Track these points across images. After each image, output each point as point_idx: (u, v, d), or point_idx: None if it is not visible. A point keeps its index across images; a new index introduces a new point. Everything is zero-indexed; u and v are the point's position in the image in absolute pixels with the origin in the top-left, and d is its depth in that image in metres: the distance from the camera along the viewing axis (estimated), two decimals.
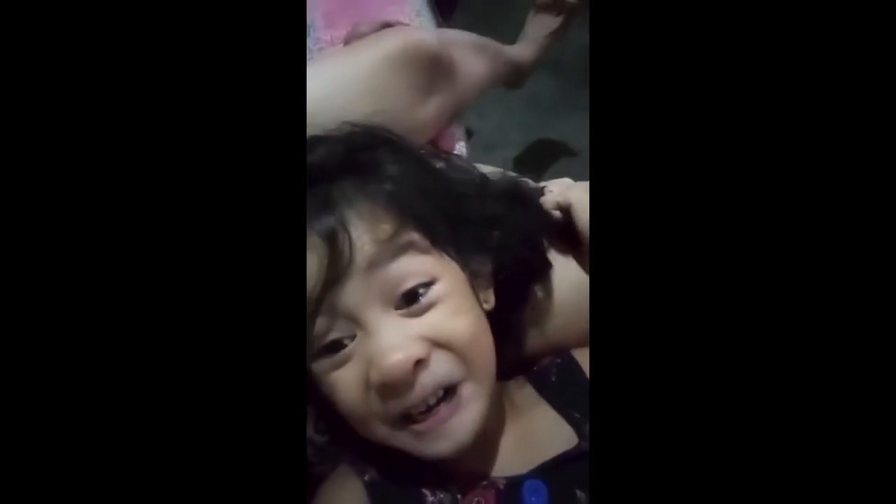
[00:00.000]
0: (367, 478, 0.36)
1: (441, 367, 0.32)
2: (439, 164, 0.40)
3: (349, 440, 0.39)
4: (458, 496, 0.35)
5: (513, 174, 0.44)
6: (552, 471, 0.35)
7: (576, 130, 1.08)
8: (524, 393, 0.40)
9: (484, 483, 0.35)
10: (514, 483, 0.35)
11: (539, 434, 0.37)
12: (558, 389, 0.39)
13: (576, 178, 0.44)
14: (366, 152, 0.37)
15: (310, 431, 0.42)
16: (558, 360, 0.41)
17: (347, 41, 0.59)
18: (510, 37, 0.79)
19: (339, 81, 0.45)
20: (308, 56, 0.66)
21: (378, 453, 0.37)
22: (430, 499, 0.35)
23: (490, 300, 0.37)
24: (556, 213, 0.41)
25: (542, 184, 0.43)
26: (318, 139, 0.37)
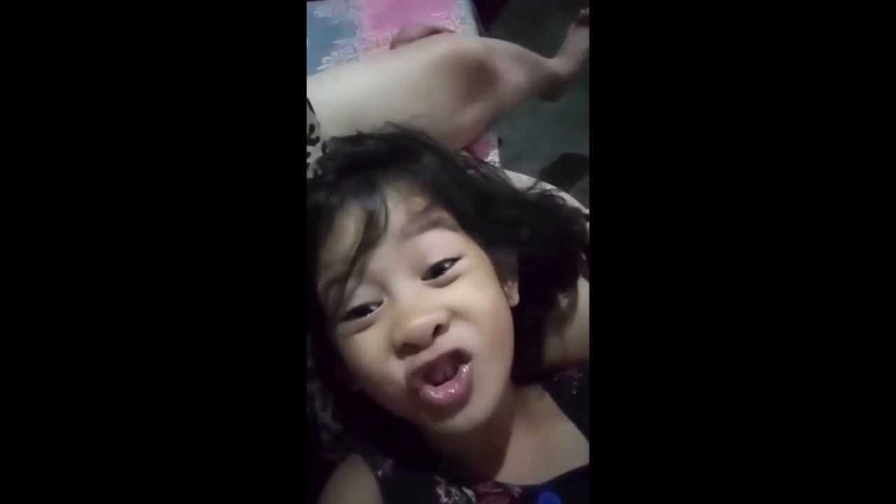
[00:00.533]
0: (379, 473, 0.36)
1: (458, 332, 0.33)
2: (472, 171, 0.41)
3: (365, 429, 0.40)
4: (473, 499, 0.35)
5: (548, 185, 0.44)
6: (567, 485, 0.35)
7: None
8: (544, 403, 0.40)
9: (499, 490, 0.35)
10: (530, 493, 0.35)
11: (556, 446, 0.38)
12: (578, 403, 0.39)
13: None
14: (408, 149, 0.39)
15: (326, 418, 0.43)
16: (580, 374, 0.41)
17: (395, 44, 0.60)
18: (544, 51, 0.79)
19: (388, 81, 0.47)
20: (354, 55, 0.67)
21: (393, 446, 0.37)
22: (444, 500, 0.35)
23: (514, 297, 0.38)
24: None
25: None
26: (365, 135, 0.40)
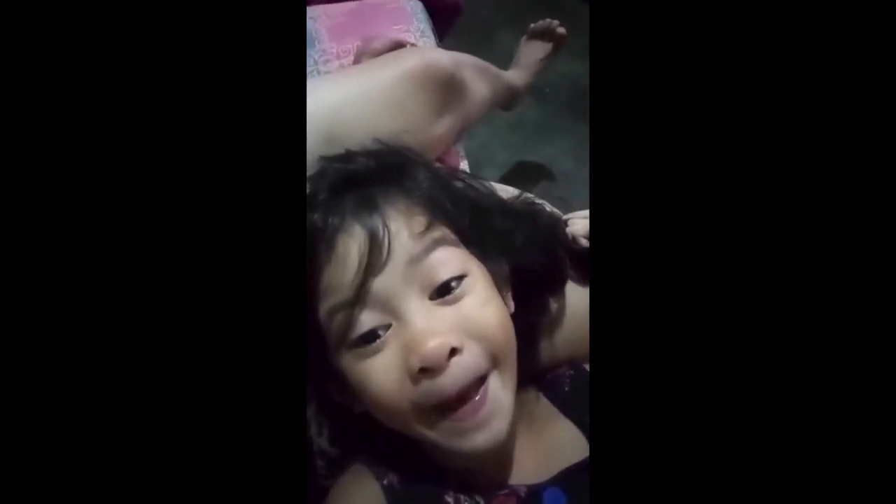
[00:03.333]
0: (385, 482, 0.36)
1: (473, 358, 0.33)
2: (460, 184, 0.42)
3: (367, 445, 0.39)
4: (482, 503, 0.35)
5: (531, 196, 0.46)
6: (569, 479, 0.36)
7: (557, 155, 1.13)
8: (540, 404, 0.41)
9: (505, 491, 0.36)
10: (535, 491, 0.36)
11: (555, 443, 0.39)
12: (571, 399, 0.41)
13: (556, 201, 0.47)
14: (397, 164, 0.39)
15: (323, 443, 0.42)
16: (571, 372, 0.42)
17: (359, 57, 0.60)
18: (495, 63, 0.82)
19: (362, 95, 0.46)
20: (314, 68, 0.66)
21: (398, 458, 0.37)
22: None
23: (510, 305, 0.39)
24: (584, 242, 0.42)
25: (566, 216, 0.45)
26: (353, 153, 0.40)
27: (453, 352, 0.32)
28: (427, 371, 0.32)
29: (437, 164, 0.46)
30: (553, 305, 0.42)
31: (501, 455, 0.37)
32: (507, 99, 0.81)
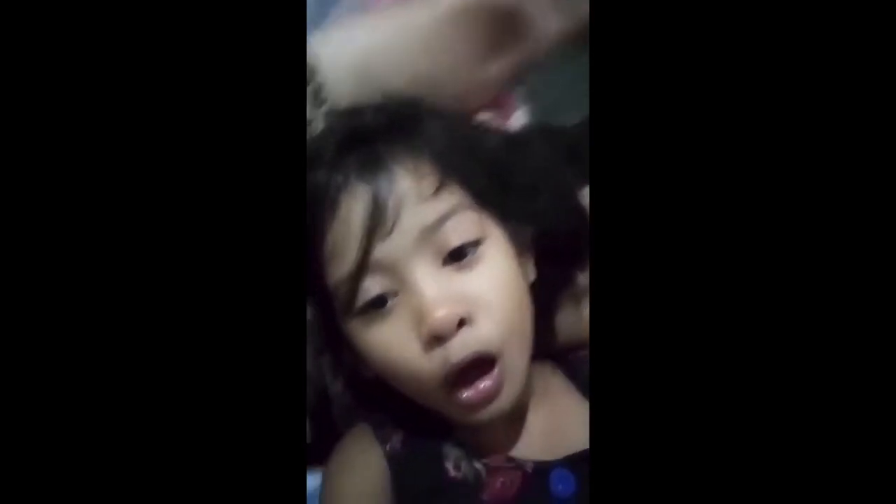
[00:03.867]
0: (388, 447, 0.36)
1: (485, 329, 0.32)
2: (480, 136, 0.38)
3: (376, 402, 0.39)
4: (483, 473, 0.34)
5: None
6: (581, 463, 0.34)
7: None
8: (556, 379, 0.39)
9: (511, 465, 0.35)
10: (542, 470, 0.34)
11: (568, 424, 0.37)
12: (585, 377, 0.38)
13: None
14: (409, 119, 0.36)
15: (338, 388, 0.42)
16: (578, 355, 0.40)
17: None
18: None
19: (404, 35, 0.43)
20: (361, 5, 0.63)
21: (404, 419, 0.37)
22: (453, 473, 0.35)
23: (530, 273, 0.37)
24: None
25: None
26: (361, 107, 0.37)
27: (462, 322, 0.31)
28: (437, 339, 0.31)
29: (466, 117, 0.42)
30: (579, 277, 0.39)
31: (510, 425, 0.36)
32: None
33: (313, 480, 0.39)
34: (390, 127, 0.35)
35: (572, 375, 0.39)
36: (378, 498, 0.35)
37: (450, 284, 0.32)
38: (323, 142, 0.36)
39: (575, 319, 0.39)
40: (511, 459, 0.35)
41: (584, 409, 0.37)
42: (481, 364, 0.32)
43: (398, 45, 0.43)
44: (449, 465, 0.35)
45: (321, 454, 0.38)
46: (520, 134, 0.40)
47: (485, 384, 0.32)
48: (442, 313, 0.30)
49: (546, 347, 0.39)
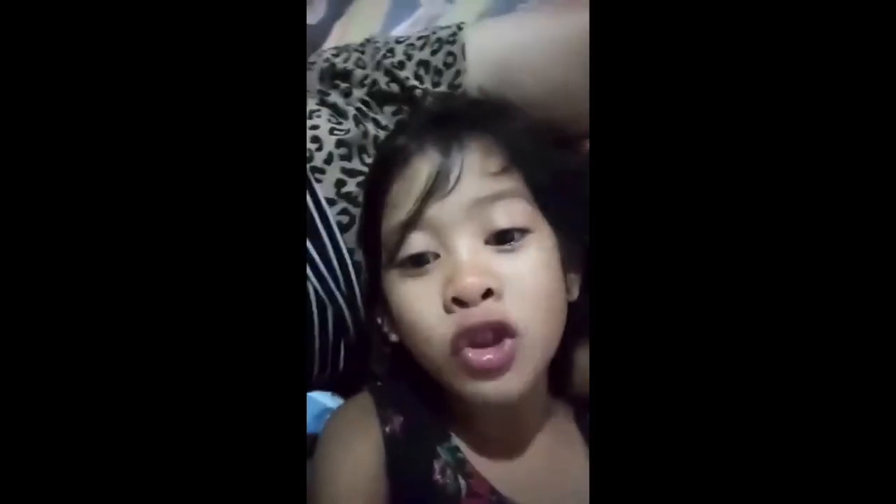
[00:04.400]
0: (388, 429, 0.36)
1: (509, 304, 0.32)
2: (558, 148, 0.41)
3: (391, 373, 0.40)
4: (463, 490, 0.35)
5: None
6: None
7: None
8: (569, 429, 0.39)
9: (492, 497, 0.35)
10: None
11: (564, 480, 0.36)
12: None
13: None
14: (498, 113, 0.39)
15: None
16: None
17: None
18: None
19: (549, 43, 0.45)
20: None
21: (412, 403, 0.37)
22: (437, 476, 0.35)
23: (574, 291, 0.37)
24: None
25: None
26: (461, 96, 0.41)
27: (489, 293, 0.32)
28: (459, 302, 0.32)
29: (553, 130, 0.44)
30: None
31: (507, 443, 0.36)
32: None
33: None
34: (478, 114, 0.38)
35: (584, 427, 0.39)
36: (371, 474, 0.35)
37: (487, 259, 0.33)
38: (412, 114, 0.39)
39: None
40: (494, 492, 0.35)
41: (585, 469, 0.36)
42: (498, 335, 0.32)
43: (539, 50, 0.45)
44: (437, 467, 0.36)
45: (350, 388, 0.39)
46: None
47: (497, 353, 0.32)
48: (471, 280, 0.32)
49: (566, 385, 0.39)
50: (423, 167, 0.34)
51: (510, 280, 0.33)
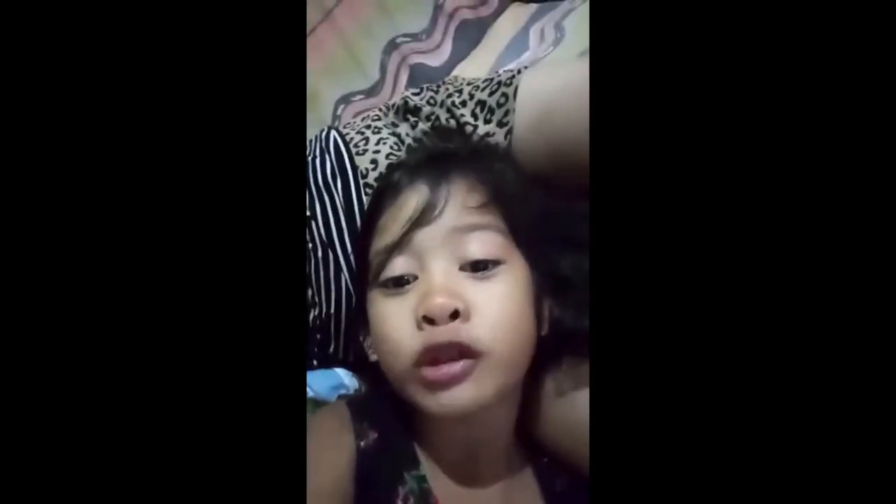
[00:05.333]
0: (362, 444, 0.38)
1: (475, 330, 0.34)
2: (541, 196, 0.42)
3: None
4: None
5: None
6: None
7: None
8: (529, 485, 0.39)
9: None
10: None
11: None
12: (558, 500, 0.37)
13: None
14: (489, 154, 0.43)
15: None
16: (567, 476, 0.39)
17: None
18: None
19: (576, 91, 0.45)
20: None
21: (384, 423, 0.39)
22: (399, 501, 0.36)
23: (543, 324, 0.38)
24: None
25: None
26: (459, 134, 0.46)
27: (456, 314, 0.34)
28: (428, 321, 0.34)
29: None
30: (578, 367, 0.38)
31: (469, 478, 0.37)
32: None
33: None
34: (468, 158, 0.41)
35: (544, 485, 0.38)
36: (341, 485, 0.36)
37: (459, 283, 0.35)
38: (411, 153, 0.44)
39: (566, 406, 0.38)
40: None
41: None
42: (459, 354, 0.34)
43: (578, 95, 0.44)
44: (401, 493, 0.37)
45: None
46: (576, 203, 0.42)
47: (451, 368, 0.34)
48: (440, 300, 0.34)
49: (528, 430, 0.39)
50: (411, 199, 0.38)
51: (478, 305, 0.35)
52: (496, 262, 0.36)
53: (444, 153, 0.42)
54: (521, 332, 0.36)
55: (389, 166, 0.49)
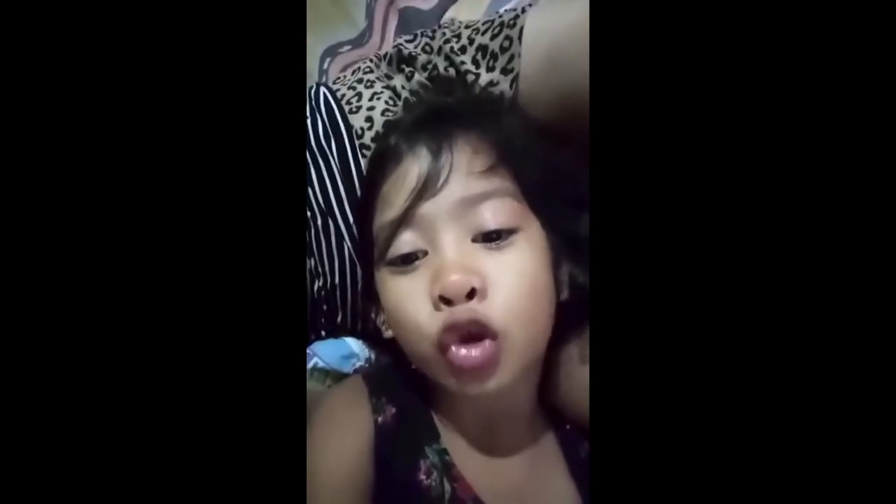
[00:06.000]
0: (380, 419, 0.37)
1: (492, 306, 0.32)
2: (551, 146, 0.38)
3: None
4: (447, 495, 0.35)
5: None
6: None
7: None
8: (554, 452, 0.38)
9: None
10: None
11: (546, 491, 0.36)
12: (583, 466, 0.37)
13: None
14: (492, 109, 0.38)
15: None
16: (588, 445, 0.38)
17: None
18: None
19: (579, 27, 0.42)
20: None
21: (403, 397, 0.38)
22: (422, 475, 0.36)
23: (564, 292, 0.36)
24: None
25: None
26: (456, 88, 0.41)
27: (473, 292, 0.32)
28: (445, 300, 0.32)
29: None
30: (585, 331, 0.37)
31: (493, 448, 0.36)
32: None
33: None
34: (471, 111, 0.37)
35: (568, 450, 0.38)
36: (360, 462, 0.36)
37: (473, 256, 0.33)
38: (407, 111, 0.39)
39: (580, 383, 0.37)
40: (477, 501, 0.35)
41: (566, 487, 0.35)
42: (479, 335, 0.32)
43: (579, 34, 0.41)
44: (423, 467, 0.36)
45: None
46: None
47: (476, 354, 0.32)
48: (455, 277, 0.31)
49: (551, 383, 0.38)
50: (413, 167, 0.35)
51: (495, 278, 0.32)
52: (511, 231, 0.34)
53: (443, 109, 0.38)
54: (542, 304, 0.34)
55: (386, 124, 0.45)
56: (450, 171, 0.34)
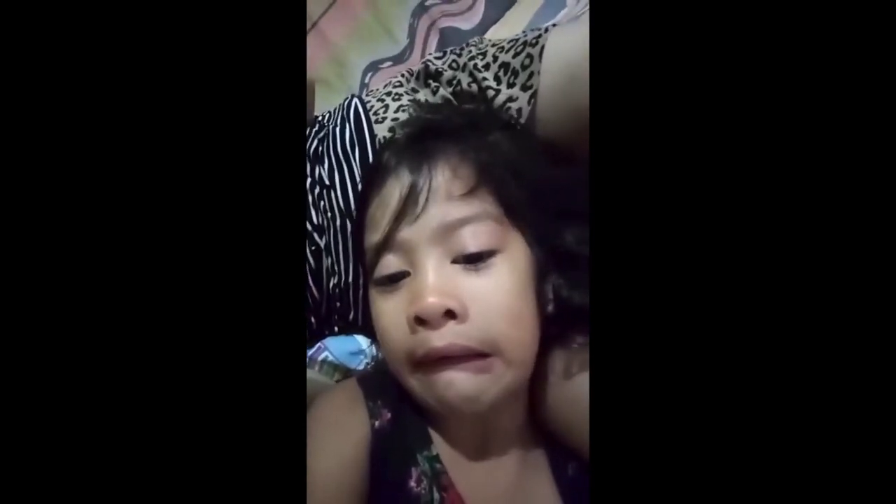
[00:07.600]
0: (376, 424, 0.37)
1: (472, 332, 0.32)
2: (550, 168, 0.39)
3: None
4: (436, 502, 0.35)
5: None
6: None
7: None
8: (542, 466, 0.37)
9: None
10: None
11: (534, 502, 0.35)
12: (570, 485, 0.36)
13: None
14: (481, 126, 0.38)
15: None
16: (576, 463, 0.37)
17: None
18: None
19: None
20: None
21: (397, 404, 0.38)
22: (412, 483, 0.35)
23: (548, 303, 0.36)
24: None
25: None
26: (448, 106, 0.41)
27: (450, 314, 0.32)
28: (421, 322, 0.32)
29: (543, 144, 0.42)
30: (577, 339, 0.36)
31: (485, 452, 0.36)
32: None
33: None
34: (460, 127, 0.38)
35: (555, 468, 0.37)
36: (356, 464, 0.36)
37: (453, 279, 0.33)
38: (401, 129, 0.40)
39: (573, 388, 0.36)
40: None
41: (551, 499, 0.35)
42: (462, 358, 0.32)
43: None
44: (414, 474, 0.36)
45: None
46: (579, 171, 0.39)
47: (461, 372, 0.32)
48: (431, 300, 0.32)
49: (539, 416, 0.37)
50: (395, 189, 0.35)
51: (476, 301, 0.33)
52: (491, 253, 0.33)
53: (429, 127, 0.39)
54: (524, 324, 0.34)
55: (383, 141, 0.46)
56: (428, 195, 0.34)
